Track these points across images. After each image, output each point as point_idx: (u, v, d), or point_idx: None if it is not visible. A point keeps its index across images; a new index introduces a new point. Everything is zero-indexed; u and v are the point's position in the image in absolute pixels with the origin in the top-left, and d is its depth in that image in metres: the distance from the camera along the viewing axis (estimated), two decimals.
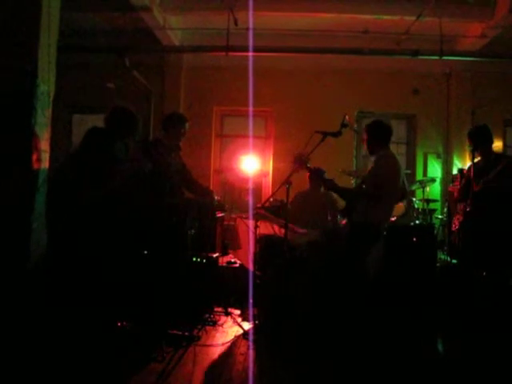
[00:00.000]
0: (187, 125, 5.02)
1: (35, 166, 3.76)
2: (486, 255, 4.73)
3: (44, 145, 3.91)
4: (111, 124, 4.30)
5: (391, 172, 4.51)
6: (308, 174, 5.60)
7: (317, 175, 5.05)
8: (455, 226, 5.53)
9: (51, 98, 4.03)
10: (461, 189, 5.28)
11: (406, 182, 4.75)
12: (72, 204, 3.98)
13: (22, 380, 3.23)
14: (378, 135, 4.70)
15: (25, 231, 3.68)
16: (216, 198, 5.75)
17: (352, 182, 7.54)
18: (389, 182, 4.46)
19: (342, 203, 5.22)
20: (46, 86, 3.93)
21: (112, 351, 3.71)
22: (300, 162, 4.62)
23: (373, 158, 4.73)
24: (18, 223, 3.69)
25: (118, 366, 3.53)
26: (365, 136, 4.78)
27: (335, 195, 5.51)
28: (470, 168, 5.12)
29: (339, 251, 4.72)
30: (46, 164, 3.93)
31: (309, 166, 4.66)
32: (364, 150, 5.86)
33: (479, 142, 5.00)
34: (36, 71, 3.79)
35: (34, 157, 3.76)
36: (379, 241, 4.61)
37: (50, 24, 3.94)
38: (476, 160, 5.01)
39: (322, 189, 5.92)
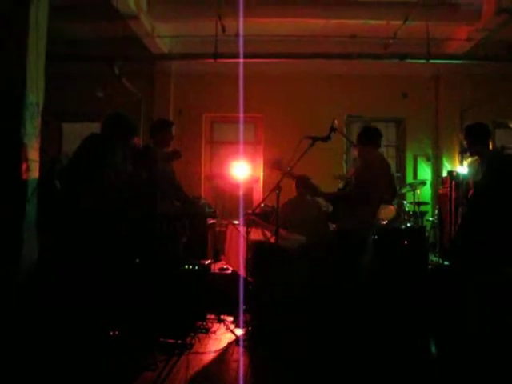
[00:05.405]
0: (173, 129, 5.04)
1: (25, 176, 3.75)
2: (483, 257, 4.62)
3: (33, 154, 3.90)
4: (108, 130, 4.24)
5: (373, 173, 4.51)
6: (294, 182, 5.57)
7: (301, 182, 5.06)
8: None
9: (40, 108, 4.03)
10: (460, 192, 5.00)
11: (395, 182, 4.77)
12: (65, 213, 3.97)
13: None
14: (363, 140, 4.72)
15: (16, 242, 3.67)
16: (202, 201, 5.74)
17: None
18: (371, 184, 4.45)
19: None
20: (35, 95, 3.93)
21: (105, 360, 3.69)
22: (277, 166, 4.66)
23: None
24: (8, 234, 3.66)
25: (110, 376, 3.51)
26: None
27: (322, 201, 5.51)
28: (468, 169, 4.78)
29: (327, 256, 4.72)
30: (35, 174, 3.92)
31: (288, 170, 4.67)
32: (353, 154, 5.87)
33: (477, 139, 4.57)
34: (25, 81, 3.80)
35: (24, 167, 3.75)
36: (365, 248, 4.59)
37: (38, 34, 3.95)
38: (470, 160, 4.75)
39: (309, 196, 5.88)
